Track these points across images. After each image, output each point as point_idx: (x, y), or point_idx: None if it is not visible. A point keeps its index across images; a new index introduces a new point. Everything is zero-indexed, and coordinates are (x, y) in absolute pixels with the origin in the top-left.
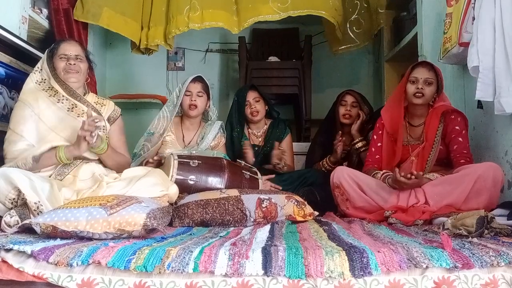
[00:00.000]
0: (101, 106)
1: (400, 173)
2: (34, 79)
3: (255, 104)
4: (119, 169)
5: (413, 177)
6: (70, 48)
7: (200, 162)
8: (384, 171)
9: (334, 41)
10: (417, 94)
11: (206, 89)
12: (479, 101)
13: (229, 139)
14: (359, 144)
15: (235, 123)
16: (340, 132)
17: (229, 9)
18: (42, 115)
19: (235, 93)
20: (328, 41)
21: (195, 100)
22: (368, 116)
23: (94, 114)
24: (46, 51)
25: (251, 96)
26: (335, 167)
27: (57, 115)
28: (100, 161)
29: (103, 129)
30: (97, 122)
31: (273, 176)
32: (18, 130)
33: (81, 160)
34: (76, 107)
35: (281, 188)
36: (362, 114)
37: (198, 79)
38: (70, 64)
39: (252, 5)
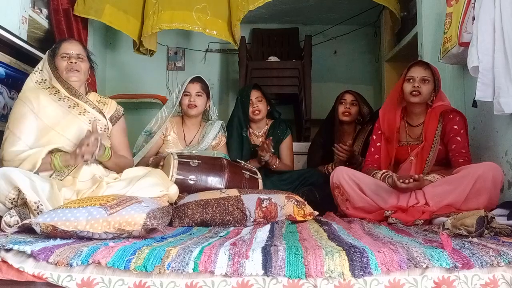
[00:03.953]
0: (103, 105)
1: (399, 179)
2: (34, 79)
3: (258, 104)
4: (121, 171)
5: (412, 180)
6: (71, 47)
7: (200, 162)
8: (384, 170)
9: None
10: (413, 92)
11: (205, 89)
12: (474, 100)
13: (238, 139)
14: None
15: (244, 122)
16: (341, 145)
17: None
18: (41, 113)
19: (237, 92)
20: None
21: (194, 101)
22: (368, 116)
23: (98, 128)
24: (47, 51)
25: (254, 95)
26: None
27: (58, 112)
28: (100, 162)
29: (105, 130)
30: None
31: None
32: (17, 131)
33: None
34: (78, 105)
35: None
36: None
37: (197, 79)
38: (72, 62)
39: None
